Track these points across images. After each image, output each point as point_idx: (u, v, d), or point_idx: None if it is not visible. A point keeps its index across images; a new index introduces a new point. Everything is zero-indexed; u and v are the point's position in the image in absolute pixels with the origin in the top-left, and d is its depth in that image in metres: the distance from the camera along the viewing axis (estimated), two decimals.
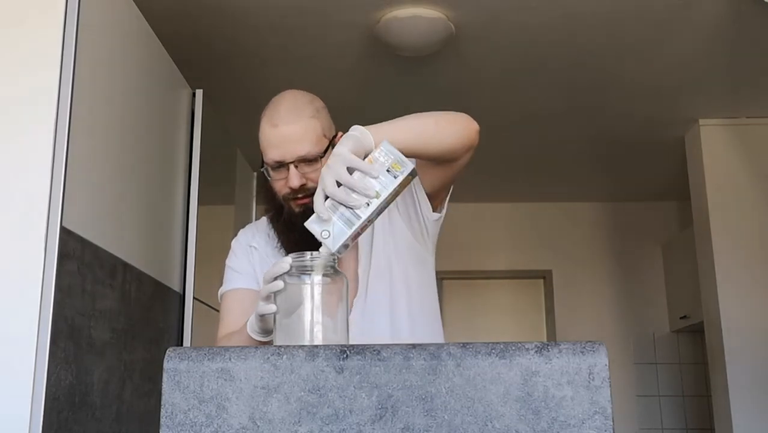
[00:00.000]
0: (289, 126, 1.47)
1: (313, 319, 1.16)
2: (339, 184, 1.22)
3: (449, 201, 1.64)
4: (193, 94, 2.73)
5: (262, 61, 3.39)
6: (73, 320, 1.75)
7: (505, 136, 4.28)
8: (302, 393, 0.93)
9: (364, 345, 0.96)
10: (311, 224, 1.20)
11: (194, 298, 2.56)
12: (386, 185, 1.21)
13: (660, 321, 5.52)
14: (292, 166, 1.46)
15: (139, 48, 2.27)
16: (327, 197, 1.22)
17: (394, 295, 1.55)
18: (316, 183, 1.37)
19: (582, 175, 5.12)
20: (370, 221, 1.21)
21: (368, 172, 1.22)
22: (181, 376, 0.94)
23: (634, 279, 5.60)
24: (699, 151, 4.12)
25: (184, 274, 2.56)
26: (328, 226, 1.19)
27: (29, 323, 1.62)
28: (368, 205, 1.20)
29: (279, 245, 1.57)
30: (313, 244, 1.25)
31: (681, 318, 5.13)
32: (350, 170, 1.22)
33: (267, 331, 1.34)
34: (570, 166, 4.90)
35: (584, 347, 0.94)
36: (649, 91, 3.74)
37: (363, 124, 1.35)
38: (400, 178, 1.22)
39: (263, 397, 0.93)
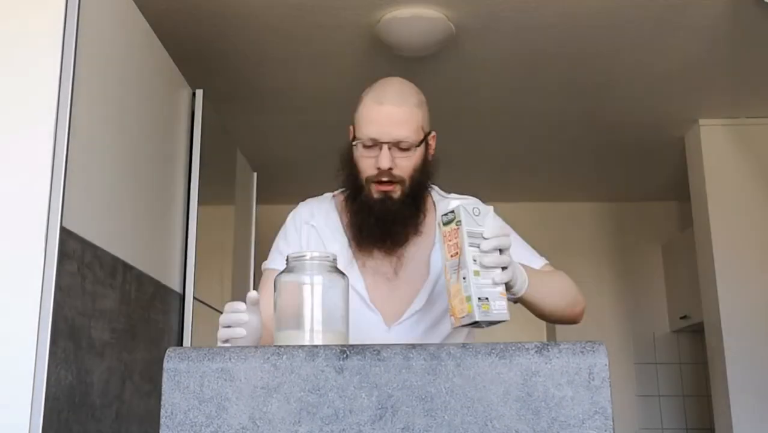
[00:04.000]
0: (394, 107, 1.48)
1: (313, 319, 1.16)
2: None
3: None
4: (193, 94, 2.73)
5: (262, 61, 3.39)
6: (73, 320, 1.75)
7: (504, 136, 4.27)
8: (302, 393, 0.93)
9: (364, 345, 0.96)
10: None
11: (194, 298, 2.56)
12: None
13: (660, 321, 5.52)
14: (385, 147, 1.46)
15: (139, 48, 2.26)
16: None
17: (443, 315, 1.58)
18: (404, 170, 1.45)
19: (582, 175, 5.11)
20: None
21: (505, 244, 1.26)
22: (181, 376, 0.94)
23: (634, 279, 5.60)
24: (699, 151, 4.11)
25: (184, 274, 2.56)
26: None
27: (29, 323, 1.62)
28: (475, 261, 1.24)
29: (344, 225, 1.57)
30: (386, 230, 1.39)
31: (681, 318, 5.12)
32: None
33: None
34: (570, 166, 4.90)
35: (584, 347, 0.94)
36: (649, 91, 3.74)
37: None
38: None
39: (263, 397, 0.93)
